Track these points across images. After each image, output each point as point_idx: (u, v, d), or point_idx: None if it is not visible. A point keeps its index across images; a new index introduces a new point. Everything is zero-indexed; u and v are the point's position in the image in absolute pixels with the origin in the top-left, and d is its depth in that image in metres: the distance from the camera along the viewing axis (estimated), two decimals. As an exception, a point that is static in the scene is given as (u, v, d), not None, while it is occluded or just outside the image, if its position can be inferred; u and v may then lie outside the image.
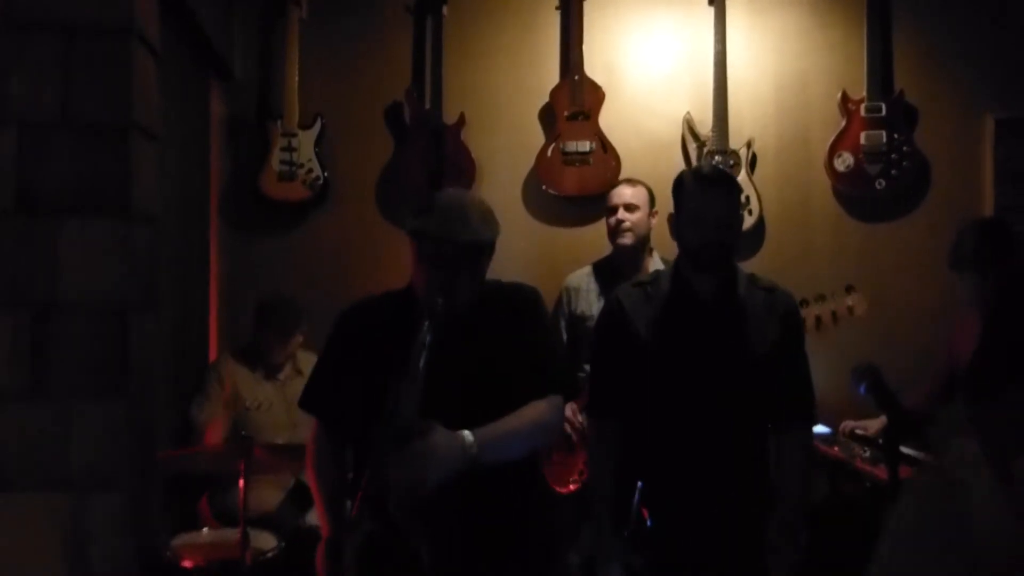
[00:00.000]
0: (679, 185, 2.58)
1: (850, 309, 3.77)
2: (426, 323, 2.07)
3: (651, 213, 3.73)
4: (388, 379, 2.07)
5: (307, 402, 2.42)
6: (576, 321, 3.78)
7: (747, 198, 4.15)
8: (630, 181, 3.81)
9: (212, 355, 4.16)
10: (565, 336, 3.81)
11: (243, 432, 3.28)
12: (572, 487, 3.69)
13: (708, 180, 2.53)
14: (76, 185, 2.09)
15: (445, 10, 4.28)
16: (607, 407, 2.67)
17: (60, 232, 2.09)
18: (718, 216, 2.48)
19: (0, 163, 2.09)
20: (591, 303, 3.73)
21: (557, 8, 4.35)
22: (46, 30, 2.10)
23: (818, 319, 3.75)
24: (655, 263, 3.67)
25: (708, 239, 2.48)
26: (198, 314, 4.09)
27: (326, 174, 4.22)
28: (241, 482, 3.01)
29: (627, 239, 3.69)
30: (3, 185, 2.09)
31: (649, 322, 2.57)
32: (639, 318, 2.58)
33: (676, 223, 2.59)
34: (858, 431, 3.65)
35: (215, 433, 3.64)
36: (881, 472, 3.22)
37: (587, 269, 3.88)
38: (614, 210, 3.73)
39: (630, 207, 3.70)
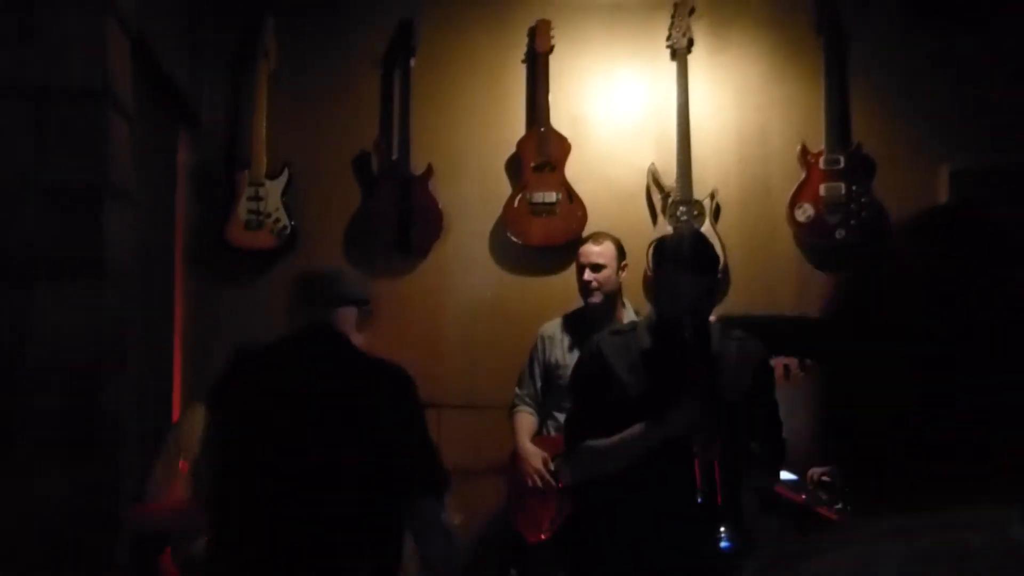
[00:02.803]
0: (659, 254, 2.62)
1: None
2: None
3: (620, 267, 3.76)
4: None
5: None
6: (550, 369, 3.80)
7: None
8: (597, 238, 3.81)
9: (175, 405, 4.12)
10: (539, 384, 3.83)
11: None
12: (544, 536, 3.69)
13: (685, 262, 2.54)
14: (48, 248, 2.09)
15: (413, 62, 4.33)
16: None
17: (31, 295, 2.08)
18: (695, 297, 2.53)
19: (-28, 225, 2.08)
20: (564, 353, 3.75)
21: (523, 61, 4.41)
22: (19, 94, 2.10)
23: (786, 368, 3.80)
24: (628, 315, 3.71)
25: (682, 314, 2.52)
26: (162, 364, 4.05)
27: (293, 223, 4.22)
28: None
29: (596, 298, 3.72)
30: (-26, 247, 2.09)
31: (630, 369, 2.60)
32: (620, 365, 2.61)
33: (653, 288, 2.64)
34: (825, 479, 3.69)
35: (173, 493, 3.57)
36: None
37: (559, 319, 3.90)
38: (583, 269, 3.75)
39: (596, 267, 3.71)
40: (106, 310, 2.16)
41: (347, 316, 2.39)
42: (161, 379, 4.02)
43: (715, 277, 2.71)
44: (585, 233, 4.18)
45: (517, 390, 3.88)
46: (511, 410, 3.86)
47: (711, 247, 2.72)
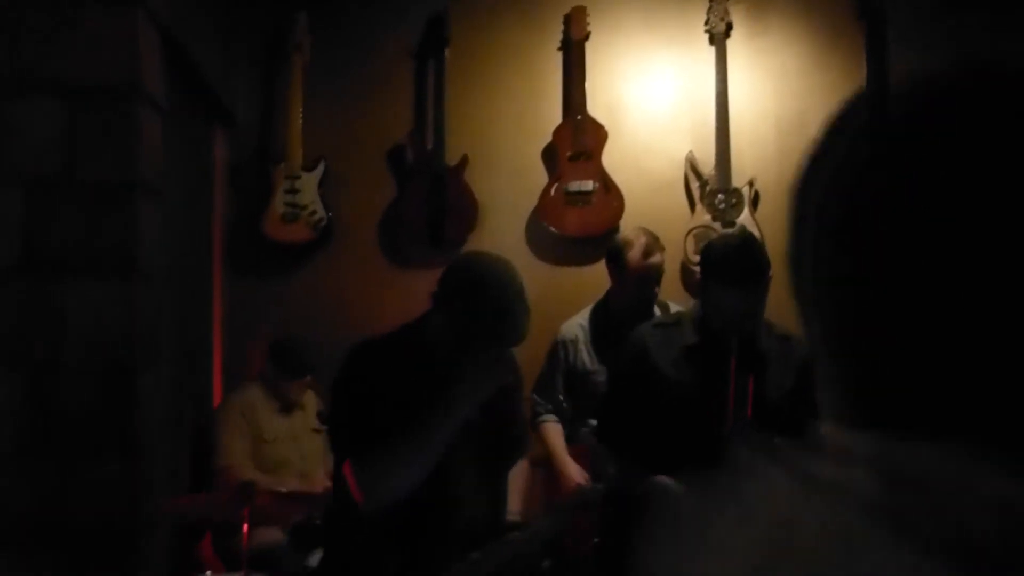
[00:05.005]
0: (708, 264, 2.52)
1: None
2: None
3: None
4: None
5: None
6: (576, 375, 3.51)
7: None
8: (659, 246, 3.44)
9: (216, 398, 4.17)
10: (563, 394, 3.53)
11: (250, 478, 3.31)
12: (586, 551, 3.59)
13: (736, 277, 2.42)
14: (81, 244, 2.11)
15: (447, 53, 4.31)
16: (617, 442, 2.70)
17: (65, 291, 2.10)
18: (745, 311, 2.45)
19: (7, 223, 2.11)
20: (591, 357, 3.50)
21: (559, 49, 4.38)
22: (50, 91, 2.12)
23: None
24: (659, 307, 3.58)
25: (731, 328, 2.47)
26: (202, 356, 4.10)
27: (330, 215, 4.23)
28: (245, 528, 3.02)
29: (656, 313, 3.40)
30: (10, 244, 2.11)
31: (672, 364, 2.58)
32: (662, 359, 2.59)
33: (701, 291, 2.58)
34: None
35: (242, 464, 3.62)
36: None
37: (578, 320, 3.61)
38: (647, 282, 3.41)
39: (660, 279, 3.43)
40: (139, 306, 2.18)
41: None
42: (201, 370, 4.07)
43: (766, 286, 2.48)
44: (622, 223, 4.15)
45: (536, 397, 3.52)
46: (536, 420, 3.52)
47: (762, 254, 2.53)
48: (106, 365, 2.11)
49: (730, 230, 4.06)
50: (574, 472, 3.38)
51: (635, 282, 3.42)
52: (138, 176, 2.15)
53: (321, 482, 3.64)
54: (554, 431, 3.50)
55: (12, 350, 2.10)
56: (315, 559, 3.43)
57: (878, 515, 0.55)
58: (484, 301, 2.08)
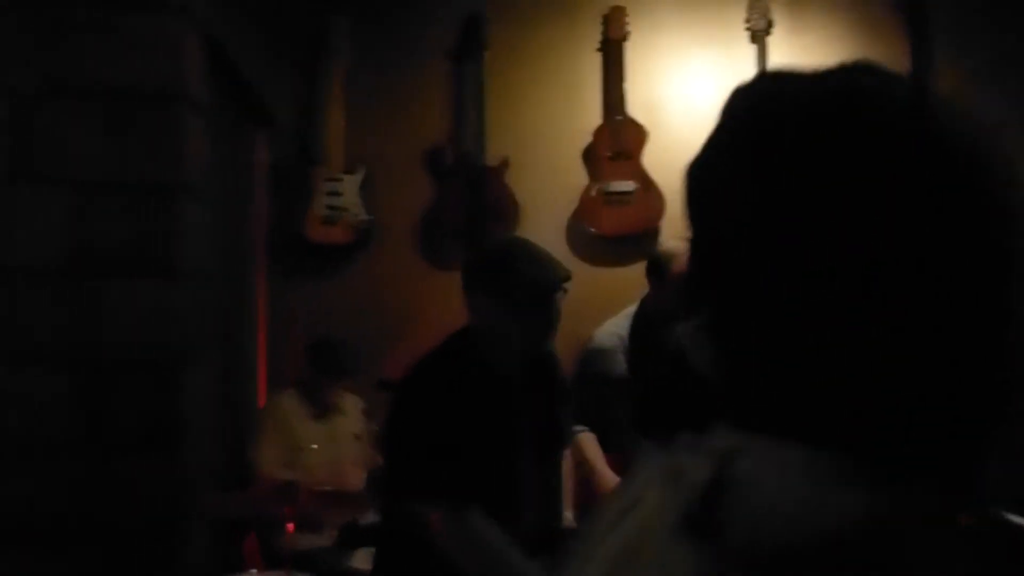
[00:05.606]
0: None
1: None
2: None
3: None
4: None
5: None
6: (613, 385, 3.43)
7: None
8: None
9: (261, 398, 4.22)
10: (606, 409, 3.42)
11: (291, 478, 3.34)
12: None
13: None
14: (125, 246, 2.13)
15: (486, 54, 4.33)
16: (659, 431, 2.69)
17: (110, 292, 2.13)
18: None
19: (52, 225, 2.14)
20: (629, 365, 3.45)
21: (598, 49, 4.37)
22: (91, 93, 2.14)
23: None
24: None
25: None
26: (247, 358, 4.15)
27: (371, 217, 4.25)
28: (290, 527, 3.05)
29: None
30: (57, 244, 2.14)
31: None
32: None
33: None
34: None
35: (277, 472, 3.66)
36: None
37: (613, 328, 3.56)
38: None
39: None
40: (183, 306, 2.20)
41: None
42: (246, 368, 4.12)
43: None
44: (663, 223, 4.14)
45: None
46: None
47: None
48: (149, 365, 2.13)
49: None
50: (612, 482, 3.32)
51: (676, 295, 3.34)
52: (181, 178, 2.17)
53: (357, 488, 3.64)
54: (588, 441, 3.42)
55: (57, 350, 2.13)
56: (358, 559, 3.45)
57: (694, 519, 0.57)
58: (511, 259, 2.14)
